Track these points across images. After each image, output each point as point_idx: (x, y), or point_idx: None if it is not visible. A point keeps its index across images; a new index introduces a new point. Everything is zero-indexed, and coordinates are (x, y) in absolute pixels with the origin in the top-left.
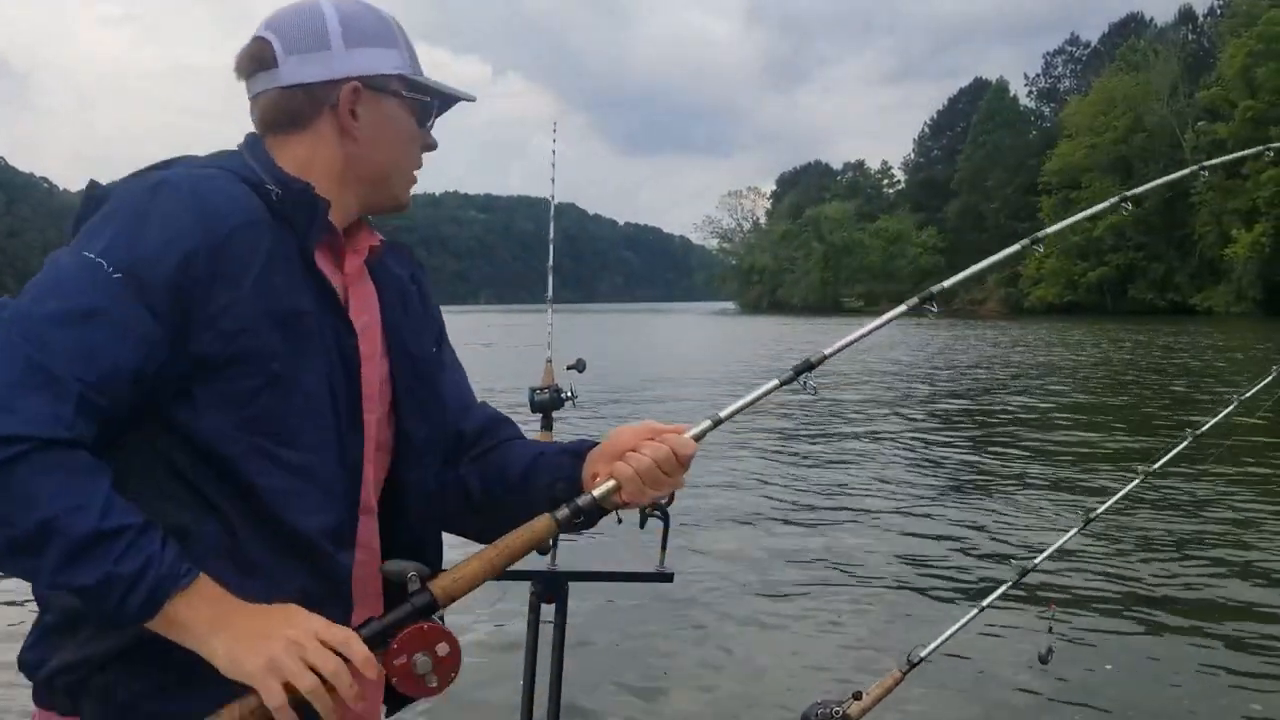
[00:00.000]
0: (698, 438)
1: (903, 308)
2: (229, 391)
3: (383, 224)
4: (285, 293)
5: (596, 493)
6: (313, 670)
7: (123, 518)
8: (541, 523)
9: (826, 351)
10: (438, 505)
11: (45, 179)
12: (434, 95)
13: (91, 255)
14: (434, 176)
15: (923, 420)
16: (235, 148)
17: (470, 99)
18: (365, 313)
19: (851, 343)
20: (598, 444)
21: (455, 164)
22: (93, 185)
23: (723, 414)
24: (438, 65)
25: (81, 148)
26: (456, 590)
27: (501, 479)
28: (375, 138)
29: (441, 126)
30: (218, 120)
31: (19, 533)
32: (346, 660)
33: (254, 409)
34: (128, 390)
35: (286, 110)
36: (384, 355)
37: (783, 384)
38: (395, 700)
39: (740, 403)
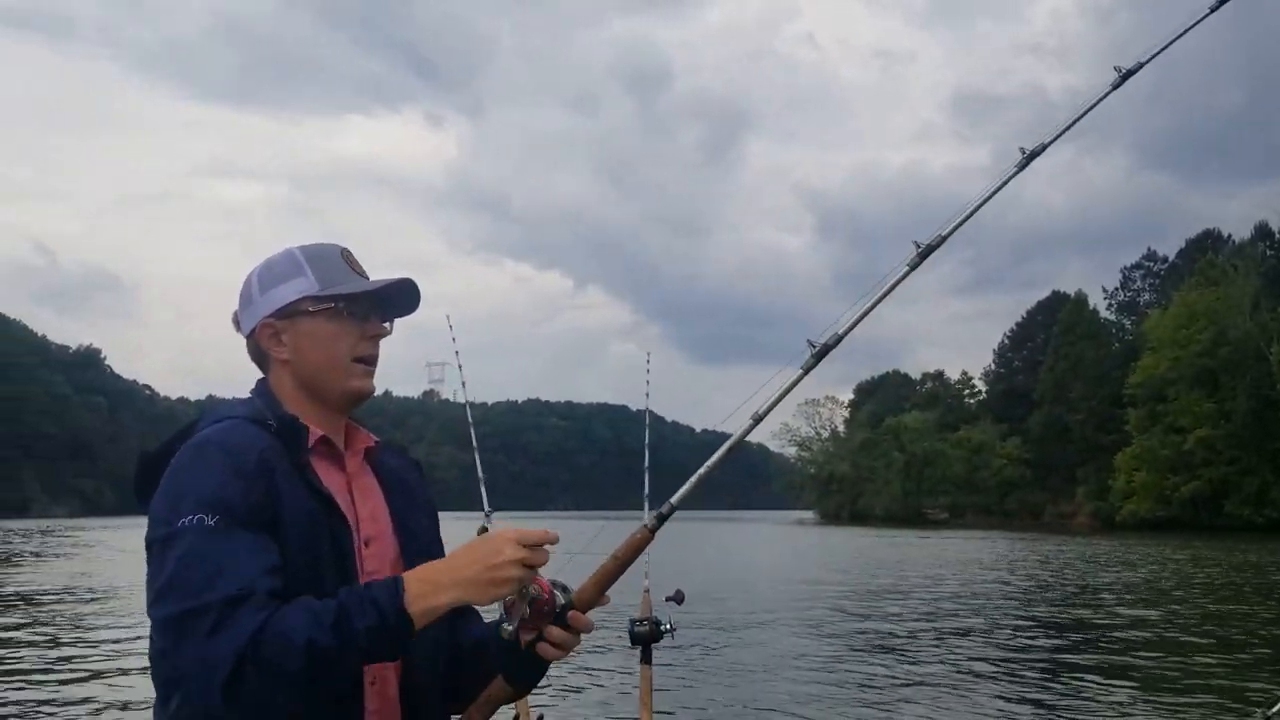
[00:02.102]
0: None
1: None
2: None
3: (452, 431)
4: (295, 498)
5: None
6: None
7: (329, 604)
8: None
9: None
10: (435, 662)
11: (147, 386)
12: (341, 300)
13: (188, 520)
14: (517, 384)
15: (1008, 645)
16: (250, 393)
17: (369, 287)
18: (370, 500)
19: None
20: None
21: (537, 372)
22: (144, 455)
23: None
24: (522, 278)
25: (179, 357)
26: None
27: (476, 649)
28: (300, 351)
29: (528, 336)
30: None
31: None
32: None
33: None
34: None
35: (252, 355)
36: (394, 534)
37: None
38: None
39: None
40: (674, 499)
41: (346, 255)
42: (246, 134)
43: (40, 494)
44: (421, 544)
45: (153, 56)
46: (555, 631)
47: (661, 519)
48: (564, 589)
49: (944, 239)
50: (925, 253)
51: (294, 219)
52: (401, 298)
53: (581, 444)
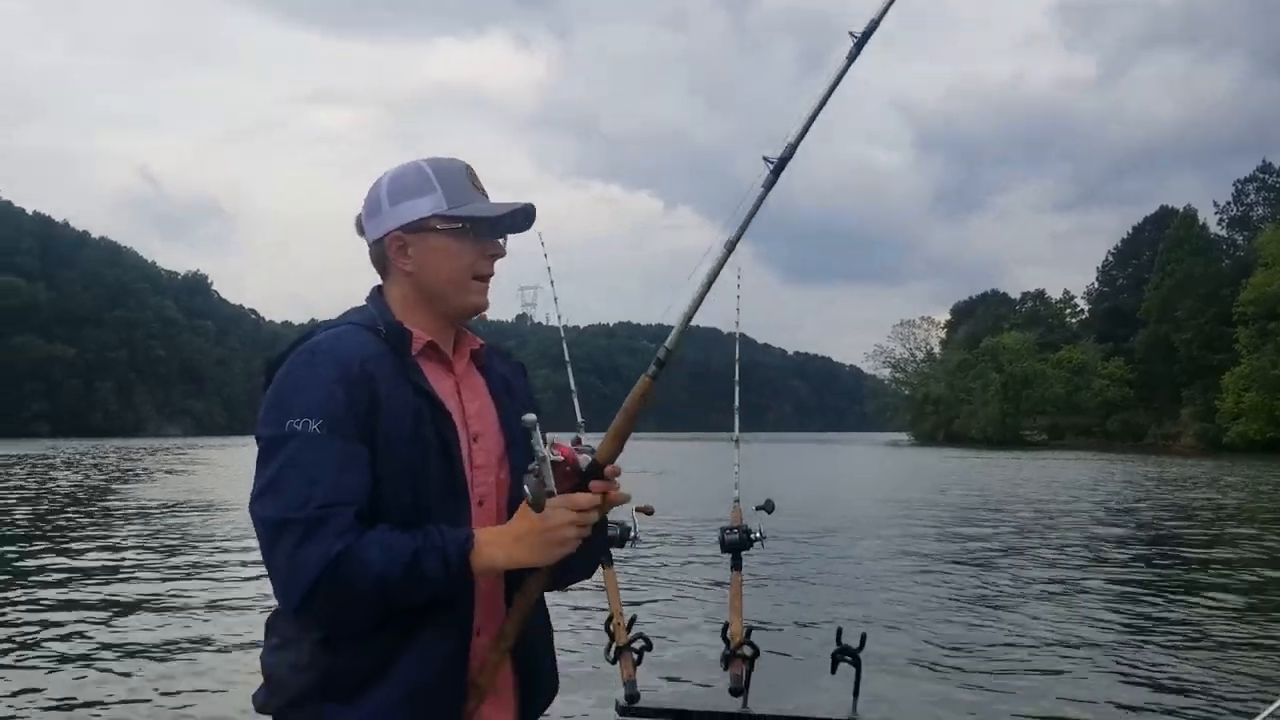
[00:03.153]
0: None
1: None
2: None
3: (546, 354)
4: (400, 398)
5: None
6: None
7: (406, 545)
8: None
9: None
10: None
11: (253, 310)
12: (469, 221)
13: (296, 423)
14: (608, 307)
15: (1119, 566)
16: (365, 299)
17: (500, 211)
18: (477, 399)
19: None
20: None
21: (629, 295)
22: (270, 361)
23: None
24: (611, 200)
25: (283, 282)
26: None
27: None
28: (425, 266)
29: (618, 259)
30: None
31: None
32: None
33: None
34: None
35: (375, 261)
36: (500, 431)
37: None
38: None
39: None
40: (668, 342)
41: (470, 173)
42: (341, 60)
43: (154, 414)
44: (523, 442)
45: None
46: (593, 485)
47: (660, 364)
48: (589, 450)
49: (876, 23)
50: (861, 41)
51: (388, 143)
52: (516, 219)
53: (672, 367)
